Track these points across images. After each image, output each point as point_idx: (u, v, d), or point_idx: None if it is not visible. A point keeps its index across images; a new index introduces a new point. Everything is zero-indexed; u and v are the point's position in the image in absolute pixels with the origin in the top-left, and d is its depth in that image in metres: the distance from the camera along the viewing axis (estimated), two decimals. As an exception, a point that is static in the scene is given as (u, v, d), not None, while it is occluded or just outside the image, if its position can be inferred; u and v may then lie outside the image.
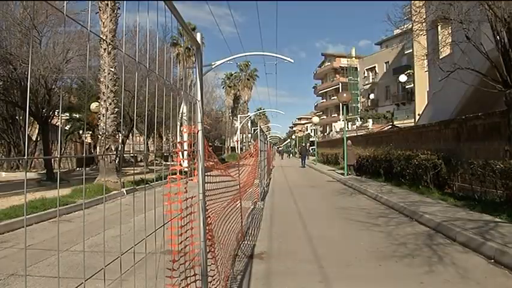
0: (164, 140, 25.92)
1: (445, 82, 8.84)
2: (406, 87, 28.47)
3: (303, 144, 29.19)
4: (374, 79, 34.66)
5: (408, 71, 27.00)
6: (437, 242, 3.88)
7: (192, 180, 1.92)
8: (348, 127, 31.52)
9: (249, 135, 53.02)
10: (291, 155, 47.63)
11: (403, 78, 27.18)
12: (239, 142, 36.85)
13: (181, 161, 1.90)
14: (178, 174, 1.77)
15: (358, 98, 37.25)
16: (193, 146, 1.92)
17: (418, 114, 17.46)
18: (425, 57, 7.20)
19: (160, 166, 15.71)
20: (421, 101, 19.13)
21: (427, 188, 7.20)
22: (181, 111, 15.04)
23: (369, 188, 8.24)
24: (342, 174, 12.17)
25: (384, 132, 13.38)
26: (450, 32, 6.63)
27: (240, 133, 40.99)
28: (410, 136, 9.39)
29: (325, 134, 44.33)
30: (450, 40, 6.39)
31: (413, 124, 19.26)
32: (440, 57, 6.81)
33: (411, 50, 21.92)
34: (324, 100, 47.30)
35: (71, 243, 3.99)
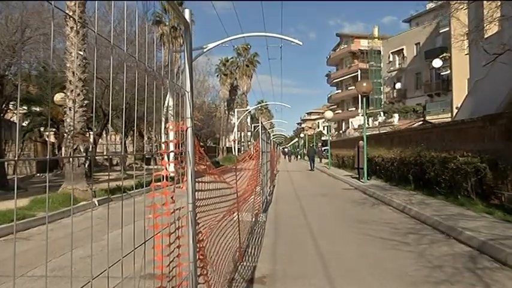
0: (146, 139, 25.98)
1: (491, 67, 8.77)
2: (441, 74, 28.48)
3: (311, 145, 29.75)
4: (401, 64, 34.68)
5: (444, 55, 27.03)
6: (483, 266, 3.83)
7: (180, 188, 1.94)
8: (368, 123, 31.61)
9: (249, 133, 53.08)
10: (299, 157, 47.81)
11: (437, 63, 27.21)
12: (236, 142, 36.97)
13: (167, 165, 1.91)
14: (163, 180, 1.79)
15: (382, 87, 37.32)
16: (181, 147, 1.94)
17: (456, 108, 17.47)
18: (465, 37, 7.05)
19: (141, 171, 15.76)
20: (459, 91, 19.15)
21: (467, 198, 7.19)
22: (166, 105, 15.11)
23: (394, 198, 8.25)
24: (361, 180, 12.21)
25: (413, 130, 13.41)
26: (499, 4, 6.41)
27: (238, 131, 41.12)
28: (446, 134, 9.38)
29: (341, 131, 44.45)
30: (499, 14, 6.17)
31: (449, 119, 19.24)
32: (485, 37, 6.63)
33: (448, 29, 21.96)
34: (339, 91, 47.46)
35: (29, 266, 3.98)
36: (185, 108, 1.95)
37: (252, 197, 5.88)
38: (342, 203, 8.70)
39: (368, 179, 12.09)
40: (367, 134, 13.00)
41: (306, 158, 25.44)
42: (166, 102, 15.23)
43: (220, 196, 2.96)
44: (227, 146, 47.11)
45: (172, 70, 16.31)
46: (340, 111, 47.24)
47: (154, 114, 2.09)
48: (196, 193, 2.01)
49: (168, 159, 1.91)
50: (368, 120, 32.23)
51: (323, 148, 33.56)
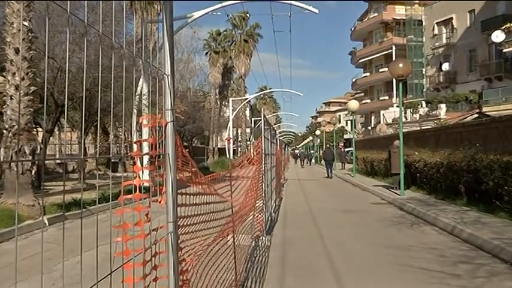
0: (112, 137, 26.07)
1: None
2: (504, 51, 28.43)
3: (328, 146, 29.81)
4: (450, 39, 34.71)
5: (507, 25, 26.96)
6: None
7: (157, 202, 1.96)
8: (405, 117, 31.63)
9: (248, 130, 53.14)
10: (314, 161, 47.87)
11: (498, 36, 27.13)
12: (232, 141, 37.01)
13: (140, 172, 1.92)
14: (135, 192, 1.80)
15: (424, 69, 37.38)
16: (159, 148, 1.94)
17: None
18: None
19: (105, 180, 15.77)
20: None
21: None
22: (139, 92, 15.21)
23: (441, 216, 8.25)
24: (397, 191, 12.23)
25: (465, 125, 13.38)
26: None
27: (234, 127, 41.11)
28: (510, 131, 9.36)
29: (369, 128, 44.47)
30: None
31: (514, 111, 19.17)
32: None
33: (511, -8, 21.89)
34: (367, 74, 47.58)
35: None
36: (164, 97, 1.95)
37: (252, 213, 5.88)
38: (371, 221, 8.69)
39: (406, 190, 12.09)
40: (404, 130, 13.01)
41: (323, 162, 25.54)
42: (139, 88, 15.22)
43: (210, 213, 2.95)
44: (219, 146, 47.18)
45: (147, 47, 16.33)
46: (368, 100, 47.35)
47: (123, 104, 2.10)
48: (178, 209, 2.02)
49: (142, 164, 1.93)
50: (406, 113, 32.26)
51: (346, 150, 33.53)
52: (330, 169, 23.25)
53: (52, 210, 9.23)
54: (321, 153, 40.24)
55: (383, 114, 37.70)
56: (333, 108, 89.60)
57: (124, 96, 1.92)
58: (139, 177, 1.87)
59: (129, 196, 1.82)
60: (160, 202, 1.97)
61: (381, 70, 43.53)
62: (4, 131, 9.02)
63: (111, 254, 1.63)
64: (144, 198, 1.84)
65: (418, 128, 23.91)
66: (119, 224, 1.72)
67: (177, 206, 1.99)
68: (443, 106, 30.89)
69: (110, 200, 8.54)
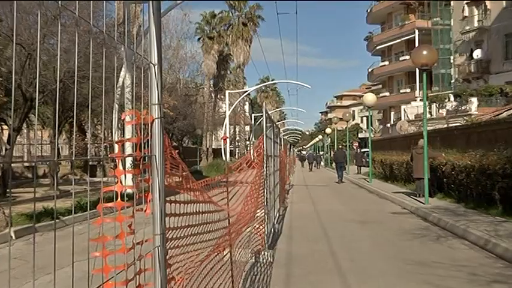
0: (90, 137, 26.09)
1: None
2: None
3: (340, 146, 29.78)
4: (482, 22, 34.68)
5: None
6: None
7: (142, 211, 1.96)
8: (430, 113, 31.60)
9: (247, 128, 53.21)
10: (323, 163, 47.84)
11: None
12: (228, 141, 37.02)
13: (122, 177, 1.92)
14: (116, 200, 1.80)
15: (452, 57, 37.37)
16: (145, 149, 1.94)
17: None
18: None
19: (82, 185, 15.77)
20: None
21: None
22: (120, 84, 15.24)
23: (471, 227, 8.24)
24: (420, 199, 12.22)
25: (500, 122, 13.37)
26: None
27: (231, 124, 41.13)
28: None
29: (388, 125, 44.43)
30: None
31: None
32: None
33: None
34: (386, 63, 47.63)
35: None
36: (150, 90, 1.95)
37: (252, 225, 5.88)
38: (391, 234, 8.70)
39: (431, 198, 12.08)
40: (429, 128, 12.99)
41: (335, 165, 25.65)
42: (120, 80, 15.21)
43: (203, 224, 2.95)
44: (214, 147, 47.19)
45: (130, 31, 16.34)
46: (387, 93, 47.34)
47: (103, 98, 2.10)
48: (167, 219, 2.02)
49: (124, 168, 1.92)
50: (430, 108, 32.26)
51: (361, 151, 33.42)
52: (341, 172, 23.51)
53: (20, 221, 9.22)
54: (331, 155, 40.25)
55: (404, 110, 37.67)
56: (345, 103, 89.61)
57: (104, 88, 1.92)
58: (121, 182, 1.87)
59: (110, 204, 1.81)
60: (145, 211, 1.96)
61: (401, 58, 43.54)
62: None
63: (88, 272, 1.62)
64: (127, 207, 1.83)
65: (445, 126, 23.89)
66: (97, 236, 1.71)
67: (165, 216, 1.98)
68: (474, 100, 30.84)
69: (88, 209, 8.57)
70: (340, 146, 31.59)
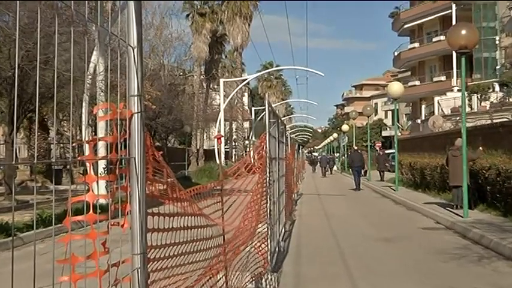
0: (54, 135, 26.06)
1: None
2: None
3: (356, 148, 29.71)
4: (534, -6, 34.53)
5: None
6: None
7: (118, 226, 1.96)
8: (470, 106, 31.50)
9: (246, 124, 53.08)
10: (336, 168, 47.59)
11: None
12: (223, 140, 36.95)
13: (94, 184, 1.93)
14: (87, 212, 1.79)
15: (497, 38, 37.24)
16: (122, 150, 1.94)
17: None
18: None
19: (45, 195, 15.74)
20: None
21: None
22: (91, 71, 15.15)
23: (522, 247, 8.22)
24: (457, 211, 12.20)
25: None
26: None
27: (226, 120, 40.92)
28: None
29: (418, 121, 44.33)
30: None
31: None
32: None
33: None
34: (416, 45, 47.48)
35: None
36: (128, 78, 1.93)
37: (252, 242, 5.87)
38: (422, 254, 8.67)
39: (471, 210, 12.04)
40: (468, 125, 12.96)
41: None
42: (91, 66, 15.15)
43: (192, 241, 2.93)
44: (206, 148, 47.10)
45: (104, 7, 16.28)
46: (417, 82, 47.23)
47: (71, 88, 2.12)
48: (149, 236, 2.02)
49: (97, 173, 1.94)
50: (470, 100, 32.20)
51: (384, 152, 33.07)
52: (359, 179, 23.75)
53: (-32, 239, 9.22)
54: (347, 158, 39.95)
55: (438, 102, 37.64)
56: (366, 94, 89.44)
57: (72, 76, 1.94)
58: (93, 191, 1.89)
59: (79, 218, 1.80)
60: (122, 226, 1.96)
61: (435, 39, 43.43)
62: None
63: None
64: (100, 221, 1.83)
65: (489, 122, 23.87)
66: (64, 257, 1.70)
67: (146, 232, 1.98)
68: (524, 90, 30.84)
69: (53, 223, 8.54)
70: (356, 147, 31.35)
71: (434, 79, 44.70)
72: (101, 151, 11.54)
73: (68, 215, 1.75)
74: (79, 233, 1.79)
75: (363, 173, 30.37)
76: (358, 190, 23.32)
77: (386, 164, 30.80)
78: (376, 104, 74.78)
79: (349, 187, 24.65)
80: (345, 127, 49.35)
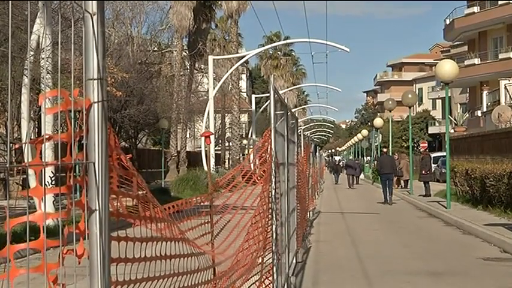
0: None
1: None
2: None
3: (385, 151, 26.70)
4: None
5: None
6: None
7: (73, 254, 1.76)
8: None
9: (243, 117, 48.63)
10: (363, 175, 42.79)
11: None
12: (213, 139, 31.73)
13: (41, 199, 1.85)
14: (37, 236, 1.65)
15: None
16: (77, 153, 1.77)
17: None
18: None
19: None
20: None
21: None
22: (34, 45, 13.52)
23: None
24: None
25: None
26: None
27: (217, 112, 35.48)
28: None
29: (478, 113, 41.42)
30: None
31: None
32: None
33: None
34: (475, 9, 42.25)
35: None
36: (85, 56, 1.72)
37: (252, 277, 5.32)
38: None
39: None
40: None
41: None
42: (34, 38, 13.24)
43: (172, 276, 2.76)
44: (190, 149, 42.94)
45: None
46: (476, 60, 42.50)
47: (9, 69, 1.81)
48: (113, 268, 1.83)
49: (44, 184, 1.84)
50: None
51: (428, 154, 30.28)
52: (389, 190, 22.39)
53: None
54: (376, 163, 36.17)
55: (506, 87, 35.03)
56: (407, 76, 78.23)
57: (10, 53, 1.63)
58: (40, 207, 1.78)
59: (22, 246, 1.67)
60: (79, 257, 1.74)
61: (500, 2, 39.60)
62: None
63: None
64: (49, 248, 1.67)
65: None
66: None
67: (109, 263, 1.77)
68: None
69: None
70: (385, 149, 28.39)
71: (500, 56, 40.42)
72: (49, 154, 10.90)
73: (7, 241, 1.61)
74: (21, 265, 1.65)
75: (402, 183, 28.71)
76: (390, 204, 21.89)
77: (428, 172, 25.64)
78: (420, 89, 66.69)
79: (379, 200, 23.18)
80: (378, 121, 42.77)
